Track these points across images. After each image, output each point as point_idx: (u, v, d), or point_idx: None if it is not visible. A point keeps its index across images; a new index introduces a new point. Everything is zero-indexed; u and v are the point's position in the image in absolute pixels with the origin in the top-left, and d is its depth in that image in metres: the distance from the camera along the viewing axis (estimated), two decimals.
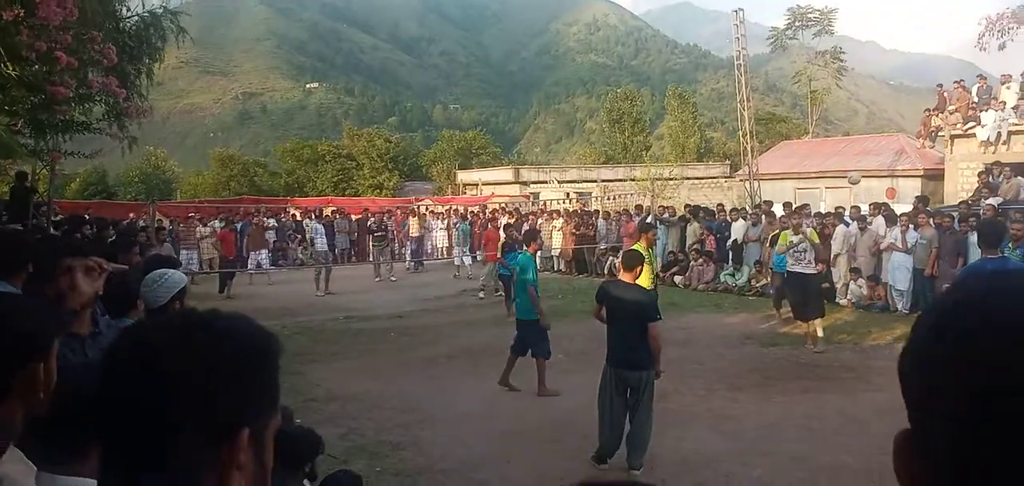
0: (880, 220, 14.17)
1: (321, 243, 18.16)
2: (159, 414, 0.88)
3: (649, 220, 14.28)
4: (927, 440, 0.66)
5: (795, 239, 10.84)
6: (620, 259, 6.90)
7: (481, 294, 15.64)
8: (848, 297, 13.83)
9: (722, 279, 16.39)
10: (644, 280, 9.26)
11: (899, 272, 13.08)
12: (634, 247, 8.83)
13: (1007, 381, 0.59)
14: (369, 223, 21.08)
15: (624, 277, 6.42)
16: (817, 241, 10.81)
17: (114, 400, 0.89)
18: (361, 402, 8.04)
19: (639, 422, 6.09)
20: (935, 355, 0.66)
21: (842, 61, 42.57)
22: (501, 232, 21.59)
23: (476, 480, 5.96)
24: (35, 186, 14.40)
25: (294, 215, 26.08)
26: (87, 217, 16.18)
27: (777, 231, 12.60)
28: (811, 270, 10.72)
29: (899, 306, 13.09)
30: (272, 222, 23.51)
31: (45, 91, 6.83)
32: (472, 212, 25.44)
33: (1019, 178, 16.45)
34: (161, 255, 10.30)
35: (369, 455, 6.40)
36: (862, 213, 14.54)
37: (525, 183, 34.28)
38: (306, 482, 3.62)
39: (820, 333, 10.49)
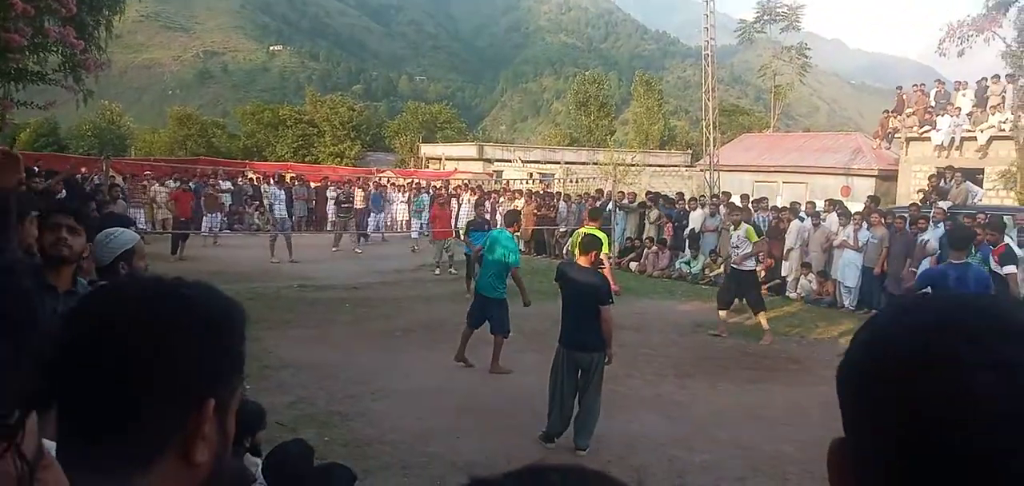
0: (833, 217, 14.49)
1: (279, 209, 17.94)
2: (124, 383, 0.86)
3: (599, 206, 14.36)
4: (861, 454, 0.67)
5: (734, 234, 11.02)
6: (577, 242, 6.99)
7: (436, 271, 15.61)
8: (798, 291, 14.15)
9: (677, 266, 16.63)
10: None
11: (848, 269, 13.42)
12: (590, 231, 8.95)
13: (938, 413, 0.60)
14: (337, 194, 20.82)
15: (580, 260, 6.50)
16: (755, 238, 10.92)
17: (77, 367, 0.87)
18: (314, 372, 8.01)
19: (587, 404, 6.19)
20: (868, 375, 0.67)
21: (807, 57, 43.16)
22: (456, 212, 21.61)
23: (424, 453, 5.99)
24: None
25: (252, 179, 25.67)
26: (37, 169, 15.75)
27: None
28: (746, 267, 10.86)
29: (846, 303, 13.44)
30: (227, 185, 23.11)
31: None
32: (434, 187, 25.34)
33: (968, 183, 16.99)
34: (116, 213, 10.10)
35: (319, 425, 6.39)
36: (817, 209, 14.85)
37: (489, 161, 34.25)
38: (248, 456, 3.60)
39: (765, 325, 10.69)
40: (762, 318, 10.71)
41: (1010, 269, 10.08)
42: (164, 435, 0.89)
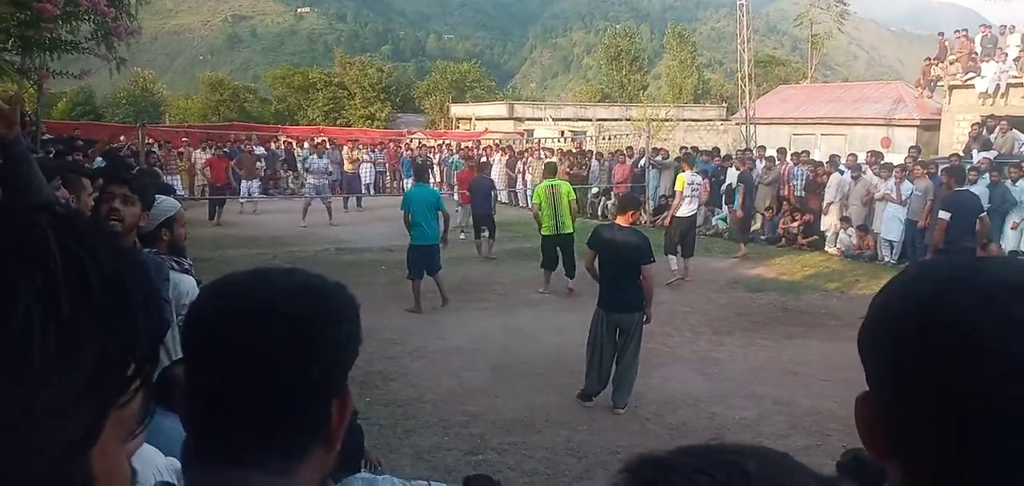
0: (870, 172, 14.16)
1: (317, 177, 18.06)
2: (294, 382, 0.87)
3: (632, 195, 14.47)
4: (885, 411, 0.69)
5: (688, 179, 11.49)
6: (615, 202, 6.93)
7: (461, 235, 15.47)
8: (837, 245, 13.91)
9: (714, 223, 16.42)
10: None
11: (891, 223, 13.13)
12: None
13: (955, 374, 0.62)
14: (415, 158, 20.87)
15: (620, 220, 6.43)
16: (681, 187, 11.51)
17: (243, 369, 0.86)
18: None
19: (626, 363, 6.16)
20: (887, 338, 0.68)
21: (846, 4, 42.02)
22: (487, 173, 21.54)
23: (464, 411, 6.05)
24: (22, 104, 14.18)
25: (287, 144, 25.83)
26: (77, 137, 16.01)
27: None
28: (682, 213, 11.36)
29: (887, 257, 13.18)
30: (261, 150, 23.29)
31: (31, 8, 6.68)
32: (465, 148, 25.27)
33: (1015, 131, 16.44)
34: (151, 170, 10.26)
35: (359, 385, 6.46)
36: (858, 162, 14.51)
37: (520, 119, 34.00)
38: None
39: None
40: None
41: None
42: (319, 429, 0.91)
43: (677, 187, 11.58)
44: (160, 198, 3.76)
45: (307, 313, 0.89)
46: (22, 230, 0.48)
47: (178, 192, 17.21)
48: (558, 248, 10.31)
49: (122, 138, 19.76)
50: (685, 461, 0.57)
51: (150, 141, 18.95)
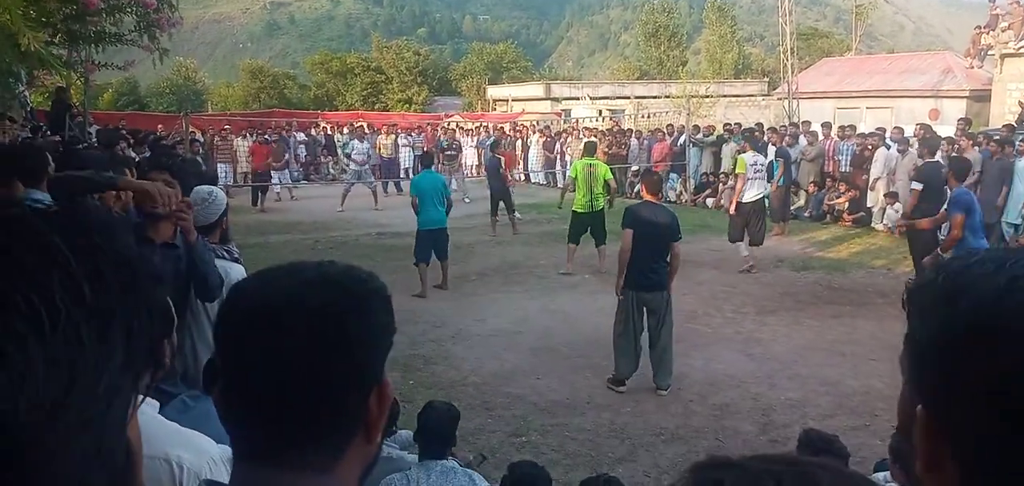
0: (916, 145, 13.77)
1: (360, 160, 18.23)
2: (333, 379, 0.87)
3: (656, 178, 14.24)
4: (946, 418, 0.64)
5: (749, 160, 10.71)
6: (643, 180, 6.84)
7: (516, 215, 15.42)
8: (884, 222, 13.59)
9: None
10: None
11: None
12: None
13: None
14: (441, 141, 21.01)
15: (649, 198, 6.41)
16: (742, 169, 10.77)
17: (280, 365, 0.85)
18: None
19: (663, 343, 6.14)
20: (950, 341, 0.64)
21: None
22: (524, 154, 21.52)
23: (506, 393, 6.08)
24: (69, 97, 14.55)
25: (325, 129, 26.07)
26: (122, 128, 16.36)
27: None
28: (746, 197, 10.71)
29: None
30: (301, 136, 23.54)
31: (77, 2, 6.81)
32: (500, 129, 25.23)
33: None
34: (193, 159, 10.43)
35: (402, 368, 6.53)
36: (905, 135, 14.13)
37: (557, 99, 33.77)
38: None
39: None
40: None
41: None
42: (357, 422, 0.90)
43: (738, 169, 10.82)
44: (216, 191, 3.84)
45: (334, 306, 0.88)
46: (24, 235, 0.49)
47: (228, 181, 17.61)
48: (589, 226, 10.28)
49: (160, 127, 20.15)
50: (757, 465, 0.56)
51: (193, 130, 19.29)
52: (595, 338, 7.39)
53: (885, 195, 13.55)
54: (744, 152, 11.16)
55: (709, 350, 7.14)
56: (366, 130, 21.86)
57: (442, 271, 9.49)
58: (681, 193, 18.35)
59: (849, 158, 14.94)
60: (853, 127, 16.33)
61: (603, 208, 10.39)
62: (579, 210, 10.29)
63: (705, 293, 9.26)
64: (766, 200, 11.46)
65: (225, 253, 3.71)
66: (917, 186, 8.86)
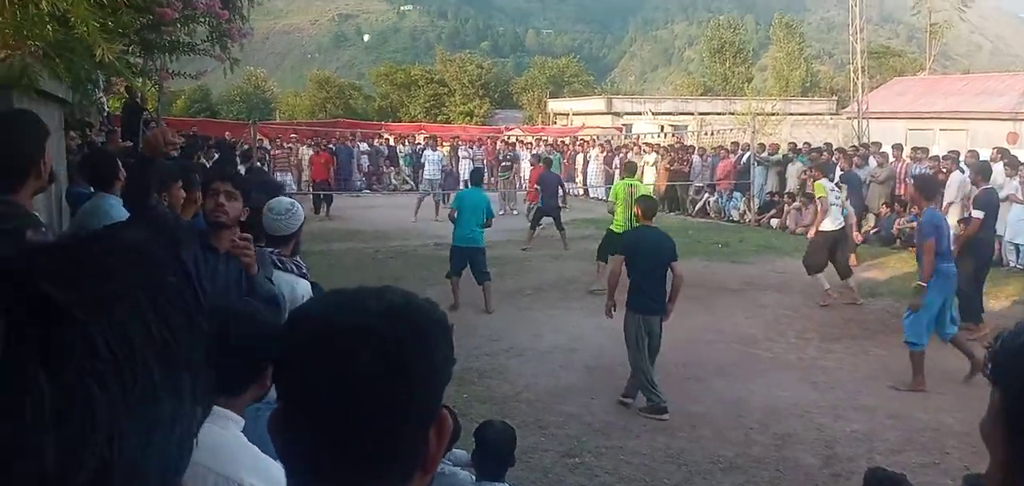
0: (999, 168, 13.20)
1: (431, 170, 18.52)
2: (400, 407, 0.86)
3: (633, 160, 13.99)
4: None
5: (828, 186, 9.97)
6: (639, 204, 6.79)
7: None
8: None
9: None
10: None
11: (1017, 225, 12.23)
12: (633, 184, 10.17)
13: None
14: (499, 154, 21.22)
15: (646, 223, 6.51)
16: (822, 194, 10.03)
17: (349, 392, 0.85)
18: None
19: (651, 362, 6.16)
20: None
21: None
22: (582, 168, 21.39)
23: (560, 411, 6.02)
24: (144, 103, 15.09)
25: (388, 140, 26.49)
26: (194, 134, 16.92)
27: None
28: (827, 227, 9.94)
29: (1012, 261, 12.29)
30: (364, 146, 23.97)
31: (153, 12, 7.04)
32: (562, 143, 25.21)
33: None
34: (260, 169, 10.71)
35: (457, 382, 6.53)
36: (980, 159, 13.55)
37: (618, 114, 33.57)
38: None
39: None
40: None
41: None
42: (417, 454, 0.90)
43: (818, 194, 10.07)
44: (295, 204, 3.89)
45: (401, 336, 0.86)
46: (102, 270, 0.49)
47: (290, 189, 18.03)
48: None
49: (228, 134, 20.73)
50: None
51: (261, 138, 19.83)
52: None
53: (958, 220, 12.99)
54: (816, 178, 10.52)
55: (770, 377, 6.95)
56: (439, 141, 22.25)
57: (484, 294, 9.27)
58: (745, 212, 17.99)
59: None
60: (926, 150, 15.77)
61: None
62: (618, 230, 10.08)
63: (768, 317, 9.04)
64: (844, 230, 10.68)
65: (293, 267, 3.74)
66: (979, 214, 8.52)
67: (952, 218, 13.20)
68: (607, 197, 13.20)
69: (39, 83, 3.30)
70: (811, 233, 10.31)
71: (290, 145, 20.69)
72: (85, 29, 2.94)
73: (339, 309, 0.90)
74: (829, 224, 9.78)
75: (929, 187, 7.50)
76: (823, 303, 9.59)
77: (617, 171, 21.26)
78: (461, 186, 21.60)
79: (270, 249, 3.74)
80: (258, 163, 16.11)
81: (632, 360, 6.10)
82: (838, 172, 14.78)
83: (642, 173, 20.37)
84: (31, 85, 3.19)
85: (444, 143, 23.31)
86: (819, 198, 10.02)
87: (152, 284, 0.50)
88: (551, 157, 18.50)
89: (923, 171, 14.49)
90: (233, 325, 1.83)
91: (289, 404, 0.89)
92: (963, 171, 13.46)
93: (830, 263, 9.90)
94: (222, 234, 3.25)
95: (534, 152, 21.25)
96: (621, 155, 21.47)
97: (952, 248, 12.90)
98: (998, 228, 12.60)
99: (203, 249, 3.18)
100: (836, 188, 10.41)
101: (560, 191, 14.02)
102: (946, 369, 7.01)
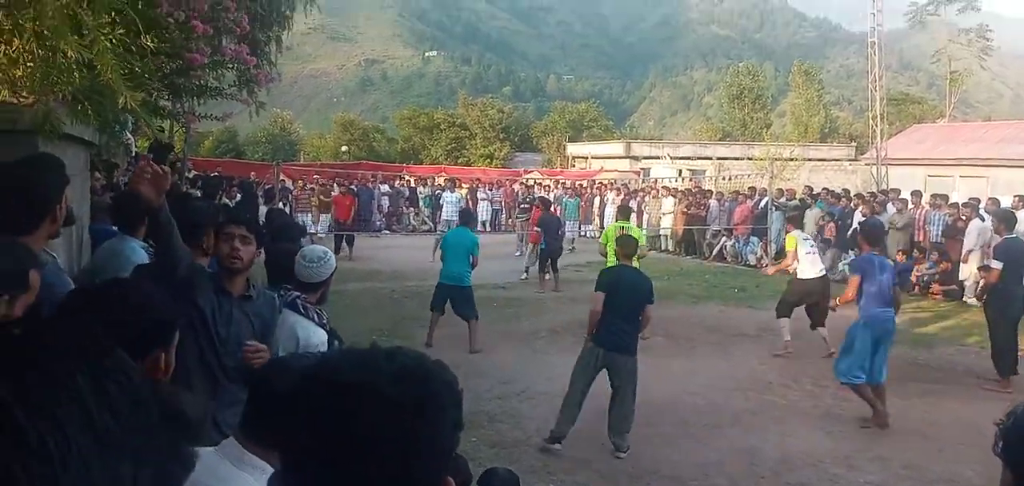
0: (1021, 215, 13.09)
1: (450, 211, 18.71)
2: (403, 467, 0.86)
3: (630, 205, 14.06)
4: None
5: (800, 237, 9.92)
6: (619, 245, 6.95)
7: (524, 275, 15.16)
8: (977, 296, 12.90)
9: (841, 269, 15.63)
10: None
11: None
12: (625, 226, 10.34)
13: None
14: (517, 196, 21.45)
15: (625, 262, 6.67)
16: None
17: (354, 449, 0.85)
18: (461, 370, 8.16)
19: (627, 407, 6.10)
20: None
21: (988, 40, 39.35)
22: (600, 210, 21.43)
23: (571, 458, 5.99)
24: (172, 143, 15.41)
25: (408, 182, 26.78)
26: (219, 174, 17.22)
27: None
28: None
29: None
30: (385, 188, 24.24)
31: (182, 58, 7.23)
32: (580, 186, 25.33)
33: None
34: (280, 211, 10.87)
35: (466, 425, 6.48)
36: (1000, 207, 13.46)
37: (636, 158, 33.73)
38: None
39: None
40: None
41: None
42: None
43: (788, 247, 10.09)
44: (328, 253, 3.95)
45: (408, 400, 0.87)
46: (39, 362, 0.52)
47: (310, 230, 18.24)
48: None
49: (253, 175, 21.02)
50: None
51: (284, 179, 20.11)
52: (664, 405, 7.27)
53: (979, 268, 12.87)
54: (788, 231, 10.51)
55: (785, 424, 6.89)
56: (458, 183, 22.48)
57: (470, 332, 9.28)
58: (762, 257, 17.92)
59: (940, 228, 14.33)
60: (945, 196, 15.68)
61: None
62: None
63: (783, 363, 8.98)
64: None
65: (315, 316, 3.77)
66: (997, 264, 8.45)
67: (972, 266, 13.14)
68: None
69: (63, 129, 3.42)
70: (770, 270, 10.63)
71: (312, 186, 20.93)
72: (111, 77, 3.06)
73: (351, 367, 0.90)
74: (809, 271, 9.64)
75: (873, 233, 7.65)
76: (778, 352, 9.33)
77: (634, 213, 21.36)
78: (479, 227, 21.81)
79: (296, 294, 3.79)
80: (280, 204, 16.36)
81: (570, 385, 6.18)
82: (858, 216, 14.74)
83: (659, 218, 20.48)
84: (54, 131, 3.31)
85: (462, 185, 23.51)
86: (789, 251, 9.95)
87: (97, 372, 0.53)
88: (549, 198, 18.60)
89: (942, 218, 14.45)
90: (275, 376, 1.86)
91: (291, 461, 0.90)
92: (983, 219, 13.37)
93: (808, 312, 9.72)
94: (236, 278, 3.30)
95: (534, 195, 21.34)
96: (638, 199, 21.56)
97: (970, 298, 12.82)
98: None
99: (217, 294, 3.23)
100: (809, 239, 10.40)
101: (561, 233, 14.23)
102: (966, 419, 6.92)
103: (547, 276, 13.78)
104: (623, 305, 6.15)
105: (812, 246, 10.24)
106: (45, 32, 3.17)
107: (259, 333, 3.30)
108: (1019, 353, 8.50)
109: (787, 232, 10.59)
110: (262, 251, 3.76)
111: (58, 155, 3.12)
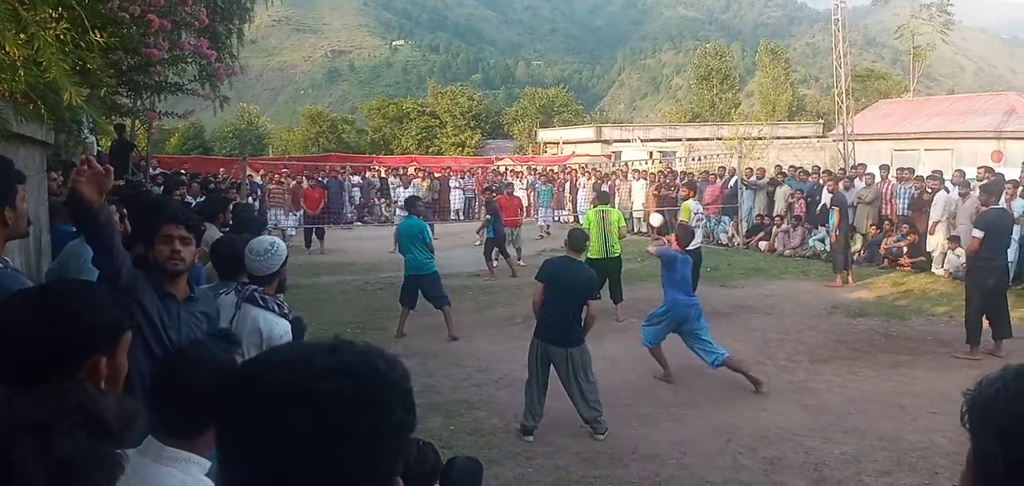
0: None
1: (403, 202, 18.60)
2: (352, 470, 0.84)
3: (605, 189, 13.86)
4: None
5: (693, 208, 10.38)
6: (568, 237, 6.82)
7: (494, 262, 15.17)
8: (945, 267, 13.12)
9: (811, 244, 15.81)
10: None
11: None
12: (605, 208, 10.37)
13: None
14: (487, 183, 21.43)
15: (571, 254, 6.51)
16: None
17: (258, 439, 0.82)
18: (438, 360, 8.18)
19: (586, 393, 6.05)
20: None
21: (949, 14, 39.94)
22: (573, 196, 21.48)
23: (549, 442, 5.98)
24: (134, 141, 15.11)
25: (379, 172, 26.58)
26: (184, 172, 16.92)
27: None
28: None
29: None
30: (356, 179, 24.02)
31: (140, 53, 7.07)
32: (552, 171, 25.32)
33: None
34: (247, 205, 10.69)
35: (445, 414, 6.51)
36: (965, 178, 13.66)
37: (607, 142, 33.79)
38: None
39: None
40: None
41: None
42: None
43: (682, 217, 10.56)
44: (278, 243, 3.87)
45: (341, 397, 0.83)
46: None
47: (281, 224, 18.00)
48: (605, 272, 10.12)
49: (221, 170, 20.70)
50: None
51: (251, 173, 19.81)
52: (642, 387, 7.29)
53: (947, 239, 13.09)
54: (686, 198, 11.14)
55: (760, 400, 6.93)
56: (413, 175, 22.34)
57: (446, 320, 9.24)
58: (733, 236, 18.06)
59: (907, 201, 14.53)
60: (911, 170, 15.89)
61: (620, 254, 10.47)
62: (595, 256, 10.09)
63: (757, 340, 9.04)
64: (701, 250, 11.22)
65: (275, 306, 3.71)
66: (978, 233, 8.45)
67: (939, 237, 13.33)
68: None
69: (10, 128, 3.28)
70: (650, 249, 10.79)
71: (282, 179, 20.65)
72: (54, 72, 2.93)
73: (281, 367, 0.86)
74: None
75: (684, 235, 7.98)
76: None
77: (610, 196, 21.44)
78: (453, 215, 21.74)
79: (253, 287, 3.72)
80: (250, 199, 16.10)
81: (527, 382, 6.14)
82: (826, 194, 14.88)
83: (631, 197, 20.55)
84: (2, 130, 3.17)
85: (422, 176, 23.50)
86: (682, 220, 10.34)
87: (42, 433, 0.50)
88: (495, 186, 18.56)
89: (908, 191, 14.65)
90: (183, 368, 1.83)
91: (228, 463, 0.87)
92: (949, 190, 13.57)
93: None
94: (178, 280, 3.08)
95: (504, 182, 21.31)
96: (609, 182, 21.60)
97: (938, 269, 13.01)
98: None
99: (162, 299, 3.02)
100: (702, 210, 10.80)
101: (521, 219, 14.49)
102: (938, 388, 7.02)
103: (495, 263, 13.77)
104: (561, 297, 6.07)
105: (700, 219, 10.94)
106: None
107: (208, 333, 3.19)
108: (1009, 320, 8.49)
109: (684, 198, 11.27)
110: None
111: (8, 155, 2.99)
